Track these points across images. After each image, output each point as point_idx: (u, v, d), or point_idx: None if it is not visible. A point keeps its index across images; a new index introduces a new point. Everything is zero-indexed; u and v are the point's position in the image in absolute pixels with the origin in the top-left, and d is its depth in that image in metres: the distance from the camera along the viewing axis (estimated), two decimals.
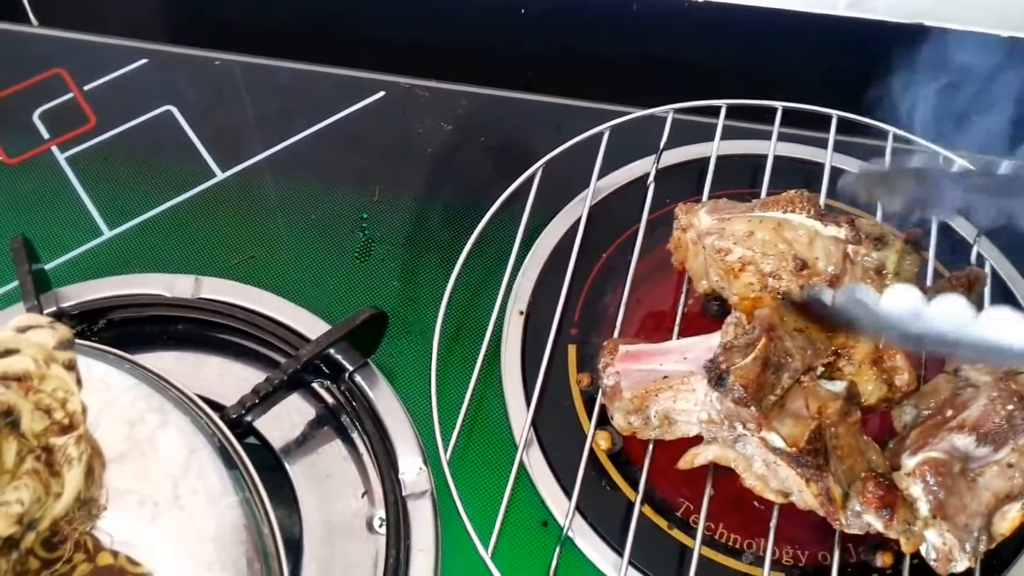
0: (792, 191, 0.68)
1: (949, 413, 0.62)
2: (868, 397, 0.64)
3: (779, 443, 0.58)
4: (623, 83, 0.87)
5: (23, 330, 0.52)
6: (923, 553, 0.59)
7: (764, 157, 0.79)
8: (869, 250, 0.64)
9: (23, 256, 0.72)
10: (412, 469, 0.67)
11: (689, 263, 0.69)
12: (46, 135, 0.86)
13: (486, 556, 0.62)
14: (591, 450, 0.67)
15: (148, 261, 0.78)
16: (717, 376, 0.60)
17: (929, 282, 0.71)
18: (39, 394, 0.50)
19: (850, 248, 0.65)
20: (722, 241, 0.66)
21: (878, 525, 0.58)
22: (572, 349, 0.73)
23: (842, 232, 0.65)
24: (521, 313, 0.75)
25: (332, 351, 0.69)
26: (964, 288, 0.65)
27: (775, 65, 0.87)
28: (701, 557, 0.63)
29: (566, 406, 0.71)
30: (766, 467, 0.61)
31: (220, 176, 0.84)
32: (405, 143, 0.85)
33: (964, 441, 0.60)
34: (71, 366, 0.52)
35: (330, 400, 0.71)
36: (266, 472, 0.59)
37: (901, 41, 0.83)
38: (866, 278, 0.64)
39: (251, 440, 0.69)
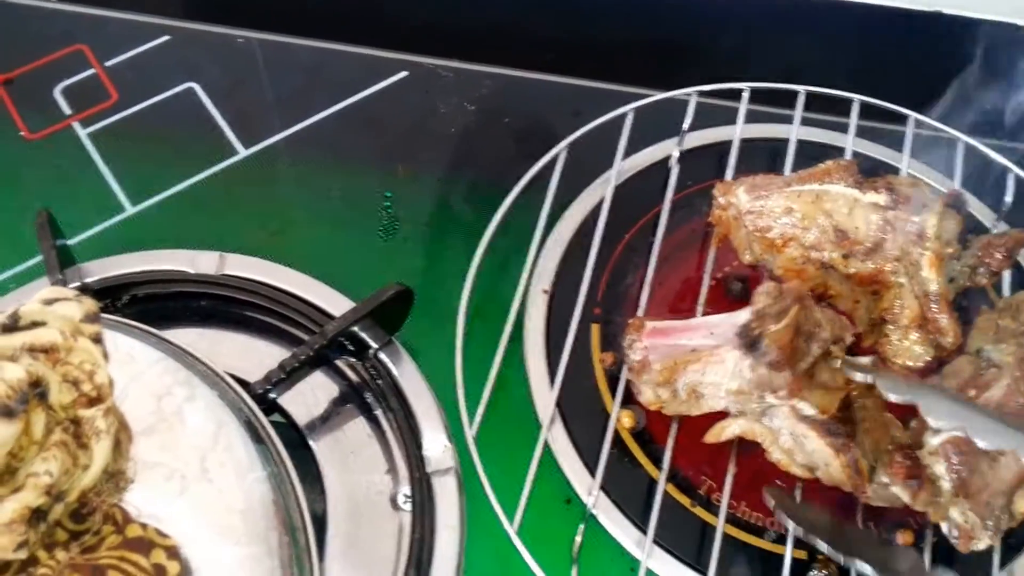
0: (830, 161, 0.68)
1: (972, 393, 0.62)
2: (918, 360, 0.65)
3: (809, 411, 0.59)
4: (645, 66, 0.87)
5: (49, 302, 0.52)
6: (945, 531, 0.59)
7: (784, 141, 0.78)
8: (909, 215, 0.64)
9: (47, 231, 0.72)
10: (437, 446, 0.67)
11: (732, 235, 0.69)
12: (68, 111, 0.86)
13: (512, 532, 0.62)
14: (615, 429, 0.67)
15: (171, 238, 0.78)
16: (751, 341, 0.60)
17: None
18: (66, 366, 0.50)
19: (890, 214, 0.65)
20: (762, 220, 0.67)
21: (905, 497, 0.58)
22: (595, 328, 0.73)
23: (881, 198, 0.65)
24: (545, 292, 0.75)
25: (357, 328, 0.69)
26: (1004, 251, 0.66)
27: (796, 51, 0.86)
28: (724, 535, 0.63)
29: (589, 385, 0.71)
30: (793, 440, 0.61)
31: (243, 153, 0.84)
32: (428, 123, 0.85)
33: None
34: (97, 339, 0.52)
35: (354, 378, 0.71)
36: (290, 449, 0.59)
37: (920, 28, 0.83)
38: (908, 242, 0.64)
39: (275, 417, 0.69)
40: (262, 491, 0.55)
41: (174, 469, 0.54)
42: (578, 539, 0.64)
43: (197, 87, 0.87)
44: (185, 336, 0.72)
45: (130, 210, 0.80)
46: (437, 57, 0.89)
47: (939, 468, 0.59)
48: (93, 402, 0.51)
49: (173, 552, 0.51)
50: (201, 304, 0.74)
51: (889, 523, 0.66)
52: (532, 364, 0.71)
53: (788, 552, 0.62)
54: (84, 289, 0.71)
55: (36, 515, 0.47)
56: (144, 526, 0.51)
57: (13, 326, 0.50)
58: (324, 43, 0.90)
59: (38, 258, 0.76)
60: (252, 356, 0.72)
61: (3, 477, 0.46)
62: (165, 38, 0.90)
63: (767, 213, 0.67)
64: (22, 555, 0.47)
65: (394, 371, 0.70)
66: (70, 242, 0.77)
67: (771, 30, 0.87)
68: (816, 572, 0.64)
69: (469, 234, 0.77)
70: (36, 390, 0.47)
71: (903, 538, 0.65)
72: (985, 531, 0.58)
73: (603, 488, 0.66)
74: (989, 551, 0.61)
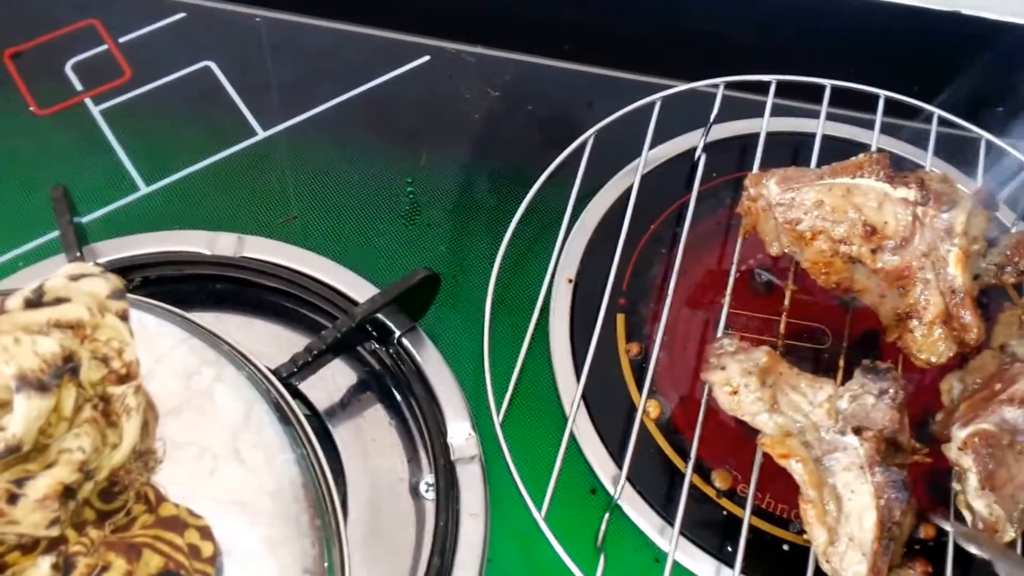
0: (862, 155, 0.68)
1: (998, 387, 0.62)
2: (941, 356, 0.64)
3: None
4: (669, 57, 0.86)
5: (75, 278, 0.51)
6: (969, 524, 0.59)
7: (807, 135, 0.78)
8: (938, 211, 0.65)
9: (64, 206, 0.70)
10: (460, 434, 0.67)
11: (760, 227, 0.69)
12: (79, 87, 0.84)
13: (540, 519, 0.62)
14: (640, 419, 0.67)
15: (187, 218, 0.77)
16: None
17: None
18: (95, 343, 0.49)
19: (919, 209, 0.65)
20: (792, 212, 0.66)
21: None
22: (621, 318, 0.73)
23: (911, 193, 0.65)
24: (570, 281, 0.74)
25: (381, 314, 0.68)
26: None
27: (817, 47, 0.87)
28: (750, 526, 0.63)
29: (615, 375, 0.70)
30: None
31: (261, 135, 0.82)
32: (451, 109, 0.84)
33: (1014, 414, 0.60)
34: (124, 316, 0.51)
35: (375, 365, 0.70)
36: None
37: (940, 27, 0.83)
38: (936, 239, 0.65)
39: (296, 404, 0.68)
40: (292, 473, 0.54)
41: (204, 449, 0.53)
42: (603, 528, 0.63)
43: (214, 66, 0.86)
44: (200, 320, 0.70)
45: (144, 189, 0.79)
46: (460, 42, 0.88)
47: (966, 461, 0.59)
48: (123, 380, 0.49)
49: (206, 532, 0.50)
50: (216, 287, 0.73)
51: None
52: (557, 353, 0.71)
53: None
54: None
55: (67, 492, 0.46)
56: (177, 506, 0.50)
57: (38, 301, 0.49)
58: (346, 25, 0.89)
59: (46, 237, 0.75)
60: (270, 340, 0.71)
61: (31, 453, 0.45)
62: (180, 15, 0.89)
63: (797, 205, 0.67)
64: (54, 532, 0.46)
65: (417, 358, 0.69)
66: (82, 220, 0.76)
67: (792, 27, 0.88)
68: None
69: (492, 221, 0.77)
70: (68, 365, 0.46)
71: (924, 531, 0.66)
72: (1011, 524, 0.58)
73: (627, 478, 0.65)
74: (1013, 544, 0.61)
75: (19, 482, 0.44)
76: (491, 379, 0.67)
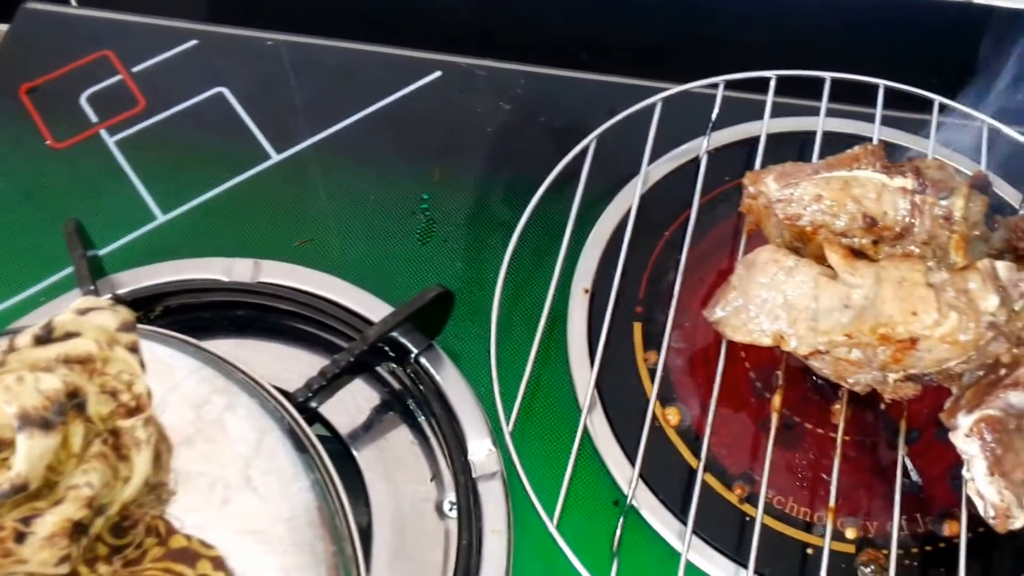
0: (857, 147, 0.67)
1: (1003, 372, 0.61)
2: None
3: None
4: (680, 63, 0.86)
5: (83, 312, 0.51)
6: (981, 511, 0.58)
7: (812, 133, 0.78)
8: (936, 198, 0.64)
9: (76, 240, 0.71)
10: (481, 451, 0.66)
11: (763, 224, 0.69)
12: (94, 118, 0.84)
13: (551, 526, 0.61)
14: (660, 426, 0.67)
15: (204, 245, 0.77)
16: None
17: None
18: (104, 376, 0.49)
19: (917, 197, 0.64)
20: (791, 207, 0.66)
21: None
22: (638, 327, 0.72)
23: (908, 182, 0.65)
24: (586, 291, 0.73)
25: (397, 333, 0.68)
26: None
27: (821, 43, 0.86)
28: (766, 528, 0.63)
29: (634, 384, 0.70)
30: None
31: (276, 158, 0.82)
32: (464, 123, 0.84)
33: (1020, 398, 0.59)
34: (134, 348, 0.51)
35: (395, 385, 0.70)
36: (334, 460, 0.58)
37: (947, 16, 0.82)
38: (935, 226, 0.64)
39: (318, 428, 0.68)
40: (307, 499, 0.54)
41: (217, 479, 0.53)
42: (618, 532, 0.63)
43: (227, 92, 0.86)
44: (222, 346, 0.69)
45: (161, 218, 0.79)
46: (471, 56, 0.88)
47: (973, 447, 0.58)
48: (132, 412, 0.49)
49: (219, 563, 0.50)
50: (236, 313, 0.73)
51: (936, 514, 0.66)
52: (575, 363, 0.70)
53: (827, 544, 0.61)
54: (116, 300, 0.70)
55: (77, 529, 0.46)
56: (188, 537, 0.50)
57: (47, 337, 0.49)
58: (355, 44, 0.89)
59: (68, 271, 0.75)
60: (291, 365, 0.70)
61: (43, 491, 0.45)
62: (192, 42, 0.89)
63: (796, 201, 0.67)
64: (63, 570, 0.45)
65: (436, 376, 0.69)
66: (100, 252, 0.76)
67: (796, 25, 0.87)
68: (864, 568, 0.64)
69: (508, 235, 0.75)
70: (73, 401, 0.46)
71: (949, 528, 0.65)
72: (1021, 509, 0.58)
73: (649, 487, 0.65)
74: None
75: (27, 520, 0.45)
76: (499, 388, 0.66)
